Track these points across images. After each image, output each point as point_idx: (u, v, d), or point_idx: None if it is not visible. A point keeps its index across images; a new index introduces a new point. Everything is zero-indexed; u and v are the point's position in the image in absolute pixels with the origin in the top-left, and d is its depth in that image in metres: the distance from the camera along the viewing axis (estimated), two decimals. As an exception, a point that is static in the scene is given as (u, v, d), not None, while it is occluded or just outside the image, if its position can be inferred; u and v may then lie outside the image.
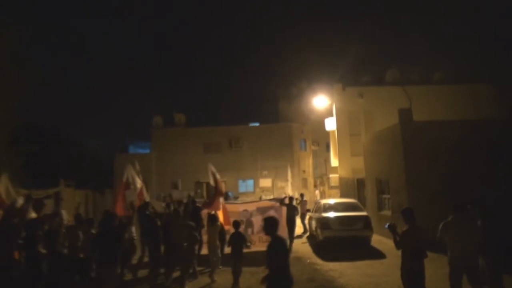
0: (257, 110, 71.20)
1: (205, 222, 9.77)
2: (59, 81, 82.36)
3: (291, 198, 13.81)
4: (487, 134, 11.83)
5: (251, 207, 11.87)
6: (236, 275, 8.01)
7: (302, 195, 17.63)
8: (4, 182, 9.23)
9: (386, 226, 5.71)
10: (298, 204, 15.78)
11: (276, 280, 4.92)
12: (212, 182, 10.55)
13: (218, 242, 9.32)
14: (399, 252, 5.63)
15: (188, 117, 31.11)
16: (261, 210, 11.36)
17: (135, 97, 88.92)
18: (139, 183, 10.26)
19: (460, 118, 13.93)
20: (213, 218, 9.32)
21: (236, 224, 8.62)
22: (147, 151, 30.04)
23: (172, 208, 10.44)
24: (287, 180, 19.54)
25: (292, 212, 12.91)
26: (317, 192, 27.48)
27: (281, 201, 12.40)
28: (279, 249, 5.05)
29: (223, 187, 10.59)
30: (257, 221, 10.87)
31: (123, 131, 78.15)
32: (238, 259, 8.05)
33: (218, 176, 10.61)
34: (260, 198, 18.37)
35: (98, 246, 6.55)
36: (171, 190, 24.61)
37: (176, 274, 8.51)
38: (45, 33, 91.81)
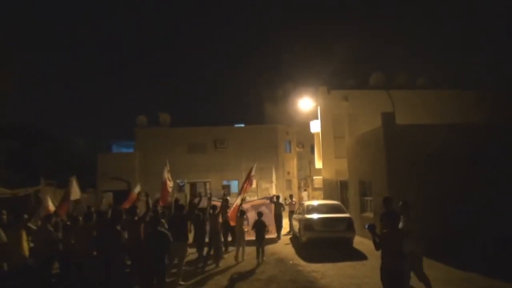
0: (242, 111, 70.91)
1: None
2: (41, 79, 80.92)
3: (277, 197, 15.61)
4: (469, 138, 12.03)
5: (247, 205, 13.84)
6: (260, 251, 10.71)
7: (291, 196, 18.33)
8: (74, 183, 11.62)
9: (366, 226, 5.79)
10: (287, 204, 17.26)
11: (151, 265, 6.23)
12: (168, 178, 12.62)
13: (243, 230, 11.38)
14: (380, 253, 5.71)
15: (173, 117, 30.86)
16: (255, 207, 13.30)
17: (120, 96, 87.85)
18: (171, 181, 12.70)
19: (443, 122, 14.16)
20: (240, 212, 11.41)
21: (260, 214, 11.24)
22: (131, 150, 29.68)
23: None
24: (271, 182, 19.60)
25: (279, 208, 15.16)
26: (305, 193, 27.43)
27: (270, 199, 15.14)
28: (160, 240, 6.33)
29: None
30: (252, 216, 12.38)
31: (106, 130, 76.87)
32: (261, 239, 10.75)
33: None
34: (244, 199, 18.42)
35: (172, 228, 8.44)
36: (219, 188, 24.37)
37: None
38: (30, 32, 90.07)
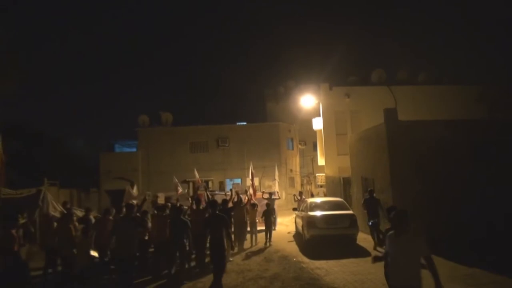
0: (244, 109, 70.75)
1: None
2: (43, 80, 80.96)
3: (270, 193, 17.14)
4: (471, 134, 11.97)
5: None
6: (268, 235, 13.32)
7: (300, 194, 18.26)
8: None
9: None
10: (296, 201, 17.52)
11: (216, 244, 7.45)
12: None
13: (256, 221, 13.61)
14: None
15: (175, 116, 30.88)
16: (259, 200, 15.43)
17: (122, 95, 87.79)
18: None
19: (445, 118, 14.12)
20: (253, 205, 13.51)
21: (268, 205, 13.99)
22: (133, 150, 29.73)
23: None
24: (274, 179, 19.62)
25: (272, 203, 16.61)
26: (320, 189, 26.80)
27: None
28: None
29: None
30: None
31: (108, 130, 76.80)
32: (269, 225, 13.44)
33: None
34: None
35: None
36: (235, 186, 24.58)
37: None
38: (31, 32, 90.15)
